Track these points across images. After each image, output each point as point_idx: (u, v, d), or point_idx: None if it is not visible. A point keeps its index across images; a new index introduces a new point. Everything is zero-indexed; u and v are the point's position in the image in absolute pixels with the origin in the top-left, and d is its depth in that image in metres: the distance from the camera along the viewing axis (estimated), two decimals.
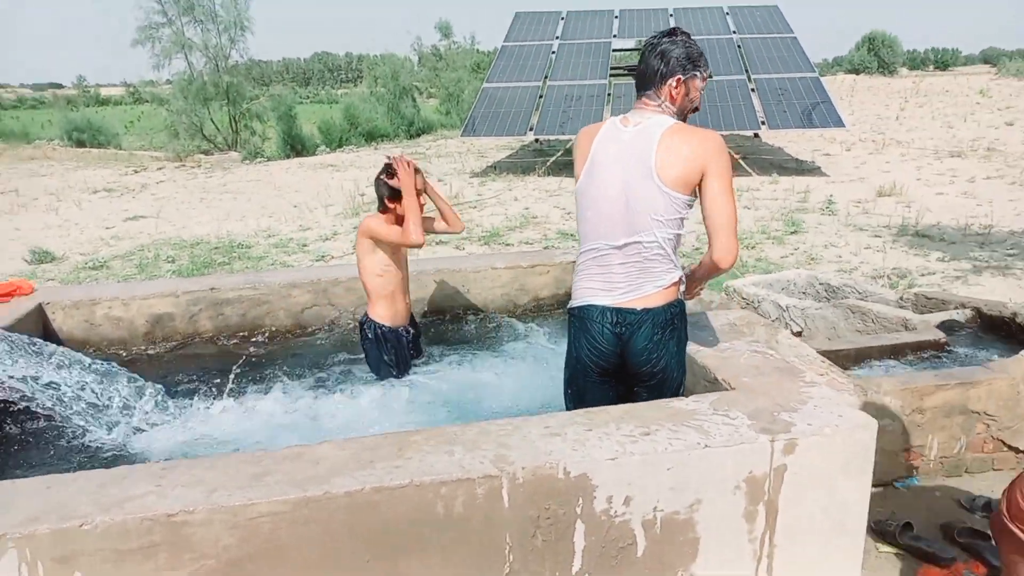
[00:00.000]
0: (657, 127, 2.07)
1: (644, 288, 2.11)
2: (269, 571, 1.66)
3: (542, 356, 3.25)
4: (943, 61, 67.18)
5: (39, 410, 2.45)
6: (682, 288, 2.21)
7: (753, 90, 11.79)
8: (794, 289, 4.84)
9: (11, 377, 2.34)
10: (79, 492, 1.67)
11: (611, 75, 12.93)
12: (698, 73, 2.12)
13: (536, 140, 13.80)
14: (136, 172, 15.50)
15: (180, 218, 9.75)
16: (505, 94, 12.76)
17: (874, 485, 2.85)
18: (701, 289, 2.34)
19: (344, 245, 7.69)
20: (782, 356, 2.45)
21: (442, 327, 3.67)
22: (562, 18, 15.01)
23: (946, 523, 2.59)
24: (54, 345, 2.64)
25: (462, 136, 12.71)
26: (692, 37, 2.16)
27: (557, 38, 14.27)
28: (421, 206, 2.99)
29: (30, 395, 2.41)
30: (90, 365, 2.61)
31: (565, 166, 12.66)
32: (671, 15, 14.54)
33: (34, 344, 2.51)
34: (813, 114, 11.14)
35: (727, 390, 2.20)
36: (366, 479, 1.70)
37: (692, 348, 2.49)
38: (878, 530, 2.57)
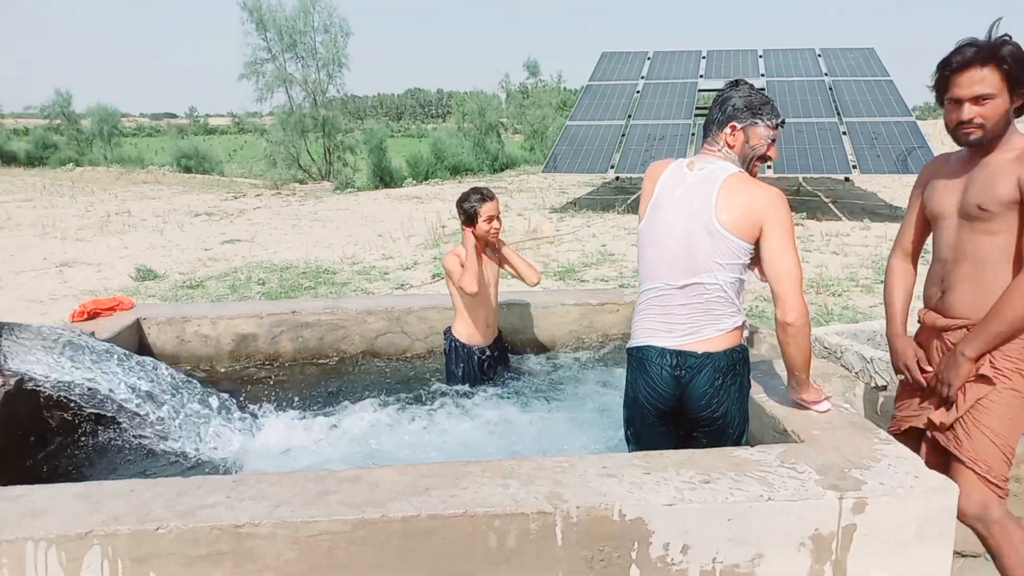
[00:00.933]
0: (721, 172, 2.09)
1: (705, 331, 2.09)
2: None
3: (602, 395, 3.23)
4: None
5: (134, 416, 2.62)
6: (746, 334, 2.17)
7: (844, 133, 11.46)
8: (881, 340, 4.63)
9: (111, 383, 2.52)
10: (158, 497, 1.78)
11: (696, 115, 12.85)
12: (759, 121, 2.12)
13: (617, 178, 13.80)
14: (235, 198, 16.43)
15: (272, 243, 10.24)
16: (588, 132, 12.87)
17: (963, 555, 2.67)
18: (819, 401, 2.25)
19: (423, 274, 7.88)
20: (857, 410, 2.35)
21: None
22: (648, 58, 15.07)
23: None
24: (152, 359, 2.83)
25: (543, 172, 12.87)
26: (756, 88, 2.18)
27: (642, 78, 14.32)
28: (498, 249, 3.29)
29: (129, 404, 2.58)
30: (175, 378, 2.78)
31: None
32: (760, 56, 14.37)
33: (133, 357, 2.70)
34: (909, 159, 10.70)
35: (796, 442, 2.13)
36: (422, 506, 1.74)
37: (761, 397, 2.42)
38: None
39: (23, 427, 2.62)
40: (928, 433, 2.22)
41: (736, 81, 2.19)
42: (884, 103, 12.22)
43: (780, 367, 2.71)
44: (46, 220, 12.45)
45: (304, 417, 2.99)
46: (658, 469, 1.92)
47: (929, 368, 2.21)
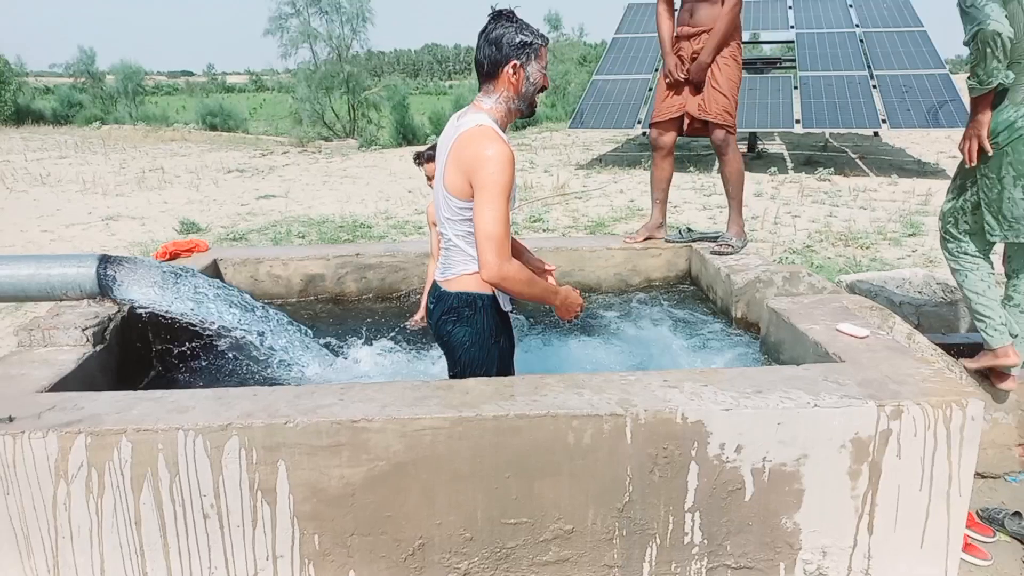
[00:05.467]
0: (456, 133, 2.16)
1: (446, 273, 2.29)
2: (427, 476, 1.98)
3: (644, 332, 3.45)
4: None
5: (235, 341, 2.90)
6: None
7: (875, 87, 11.39)
8: (909, 288, 4.78)
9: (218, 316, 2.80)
10: (279, 399, 2.04)
11: None
12: (533, 54, 2.12)
13: (643, 133, 13.83)
14: (263, 155, 16.65)
15: (306, 198, 10.49)
16: (614, 87, 12.87)
17: (984, 476, 2.90)
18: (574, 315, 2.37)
19: None
20: (894, 338, 2.55)
21: None
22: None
23: None
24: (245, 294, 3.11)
25: (570, 128, 12.93)
26: (515, 15, 2.13)
27: None
28: None
29: (230, 332, 2.85)
30: (266, 311, 3.05)
31: None
32: (790, 7, 14.17)
33: (227, 289, 2.98)
34: (940, 113, 10.64)
35: (838, 362, 2.35)
36: (510, 407, 1.99)
37: (805, 326, 2.64)
38: (986, 516, 2.63)
39: (137, 350, 2.91)
40: (685, 116, 3.76)
41: (499, 12, 2.11)
42: (917, 55, 12.07)
43: (822, 302, 2.91)
44: (85, 176, 12.77)
45: (372, 346, 3.25)
46: (714, 382, 2.15)
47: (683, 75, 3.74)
